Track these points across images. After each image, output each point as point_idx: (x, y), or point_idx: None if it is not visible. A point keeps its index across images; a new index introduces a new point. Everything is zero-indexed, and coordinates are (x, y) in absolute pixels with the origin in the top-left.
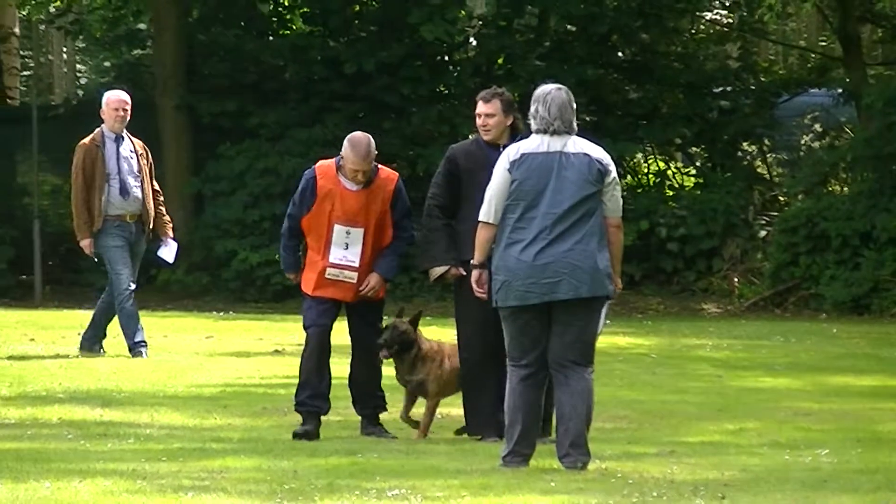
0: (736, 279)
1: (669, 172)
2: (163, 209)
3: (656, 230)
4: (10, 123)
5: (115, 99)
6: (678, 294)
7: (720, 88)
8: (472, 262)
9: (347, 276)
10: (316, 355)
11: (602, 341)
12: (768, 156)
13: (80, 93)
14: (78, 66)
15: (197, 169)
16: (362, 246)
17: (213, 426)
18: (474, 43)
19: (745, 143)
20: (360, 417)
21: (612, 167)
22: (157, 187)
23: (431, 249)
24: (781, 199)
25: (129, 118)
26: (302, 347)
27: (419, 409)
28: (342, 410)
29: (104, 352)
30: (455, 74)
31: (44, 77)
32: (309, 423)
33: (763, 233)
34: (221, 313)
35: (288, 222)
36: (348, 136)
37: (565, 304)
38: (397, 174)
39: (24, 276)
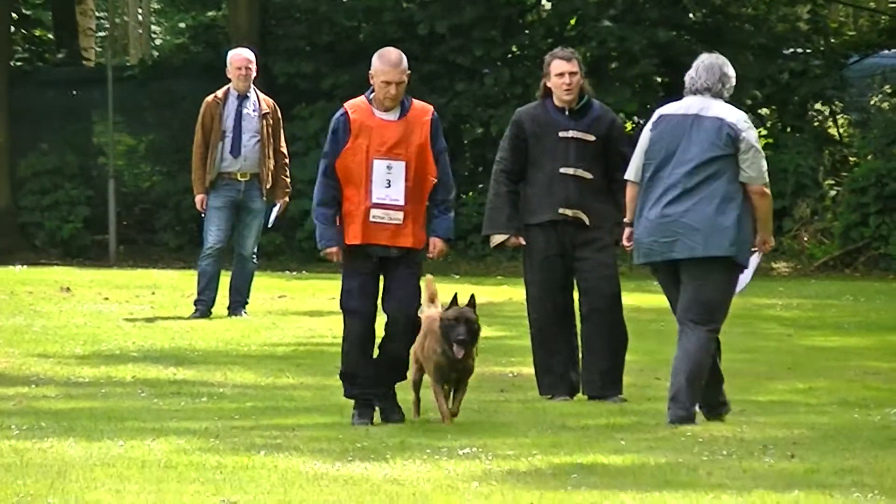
0: (806, 239)
1: None
2: (286, 171)
3: None
4: (85, 84)
5: (238, 58)
6: None
7: (791, 50)
8: (624, 220)
9: (393, 217)
10: (359, 346)
11: None
12: (838, 117)
13: (156, 53)
14: (153, 27)
15: None
16: (405, 182)
17: (286, 385)
18: (547, 5)
19: (815, 105)
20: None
21: (748, 133)
22: (283, 149)
23: (495, 216)
24: (851, 159)
25: (253, 75)
26: None
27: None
28: None
29: (246, 313)
30: (528, 35)
31: (119, 38)
32: (365, 414)
33: (833, 193)
34: (294, 273)
35: (323, 181)
36: (376, 52)
37: (685, 263)
38: (432, 106)
39: (98, 236)
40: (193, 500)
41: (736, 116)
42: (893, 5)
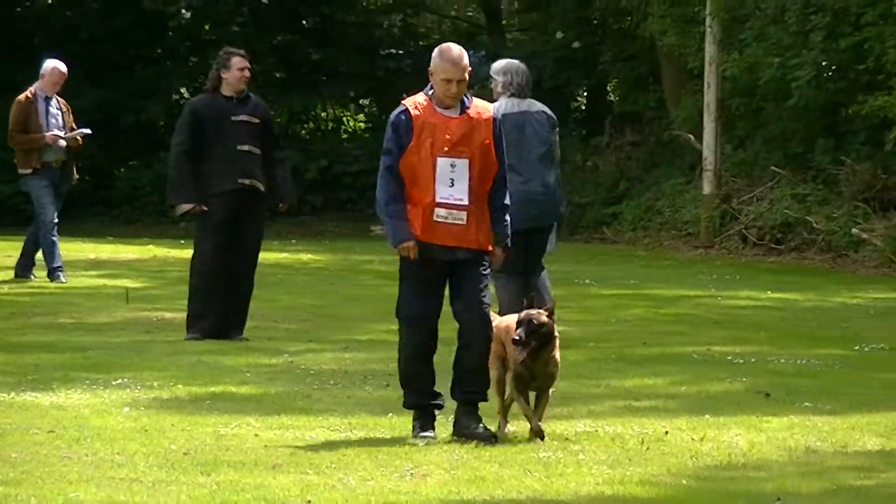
0: None
1: (344, 119)
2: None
3: (334, 167)
4: None
5: (58, 70)
6: (353, 220)
7: (387, 51)
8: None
9: (456, 218)
10: (418, 356)
11: (287, 258)
12: None
13: None
14: None
15: None
16: (468, 181)
17: None
18: (187, 14)
19: (407, 96)
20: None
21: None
22: (80, 139)
23: (182, 189)
24: None
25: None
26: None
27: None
28: (75, 315)
29: (34, 277)
30: (171, 38)
31: None
32: (429, 426)
33: None
34: None
35: (387, 178)
36: (436, 49)
37: (540, 228)
38: (491, 104)
39: None
40: None
41: (549, 110)
42: (471, 14)
